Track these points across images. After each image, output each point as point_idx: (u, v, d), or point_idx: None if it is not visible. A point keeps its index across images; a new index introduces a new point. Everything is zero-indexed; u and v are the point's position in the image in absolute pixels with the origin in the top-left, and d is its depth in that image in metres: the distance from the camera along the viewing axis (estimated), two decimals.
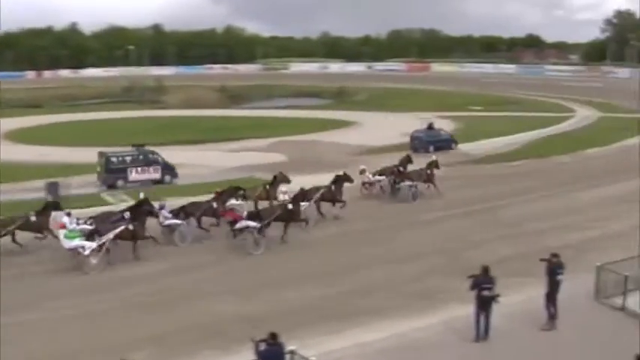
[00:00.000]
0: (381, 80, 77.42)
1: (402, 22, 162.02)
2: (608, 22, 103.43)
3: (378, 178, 19.77)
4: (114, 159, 23.04)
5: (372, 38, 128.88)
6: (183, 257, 14.03)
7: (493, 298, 9.90)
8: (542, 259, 10.83)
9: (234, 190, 16.58)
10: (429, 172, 20.07)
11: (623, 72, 79.83)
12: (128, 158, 23.18)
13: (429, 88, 68.35)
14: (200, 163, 25.65)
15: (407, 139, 31.12)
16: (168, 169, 23.52)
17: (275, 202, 16.54)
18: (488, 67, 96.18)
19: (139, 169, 23.09)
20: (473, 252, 14.78)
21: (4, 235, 14.39)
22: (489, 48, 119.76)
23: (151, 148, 23.85)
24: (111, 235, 13.64)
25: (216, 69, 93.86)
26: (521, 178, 22.88)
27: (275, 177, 18.21)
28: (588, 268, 12.07)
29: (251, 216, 14.71)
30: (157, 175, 23.20)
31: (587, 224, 17.05)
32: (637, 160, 25.48)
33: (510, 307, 11.08)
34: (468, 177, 21.78)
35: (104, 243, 13.50)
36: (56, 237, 14.05)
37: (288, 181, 18.07)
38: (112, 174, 22.86)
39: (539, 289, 10.89)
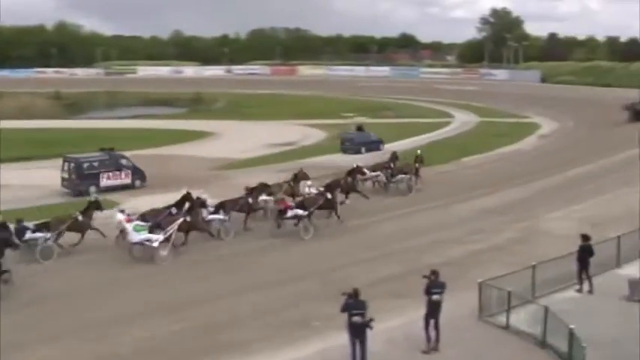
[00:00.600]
0: (242, 85, 78.35)
1: (265, 21, 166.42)
2: (485, 20, 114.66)
3: (373, 173, 24.22)
4: (85, 164, 24.87)
5: (231, 38, 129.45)
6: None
7: (366, 325, 10.17)
8: (424, 277, 11.48)
9: (263, 186, 20.24)
10: (417, 165, 24.78)
11: (501, 73, 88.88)
12: (98, 163, 25.24)
13: (297, 93, 70.55)
14: (26, 183, 25.75)
15: (271, 151, 31.93)
16: (138, 173, 25.94)
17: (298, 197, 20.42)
18: (360, 70, 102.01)
19: (111, 174, 25.30)
20: (349, 272, 15.40)
21: (58, 235, 16.44)
22: (360, 49, 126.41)
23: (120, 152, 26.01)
24: (175, 226, 16.36)
25: (49, 73, 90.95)
26: (400, 190, 24.48)
27: (296, 175, 22.25)
28: (471, 284, 13.04)
29: (298, 205, 18.68)
30: (128, 180, 25.61)
31: (468, 238, 18.44)
32: (515, 169, 29.11)
33: (390, 331, 11.69)
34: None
35: (170, 235, 16.19)
36: (102, 234, 17.08)
37: (308, 178, 21.92)
38: (84, 180, 24.67)
39: (421, 311, 11.51)
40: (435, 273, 11.42)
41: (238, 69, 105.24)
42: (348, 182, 22.04)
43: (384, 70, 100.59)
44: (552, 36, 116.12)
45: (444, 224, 20.11)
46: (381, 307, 11.87)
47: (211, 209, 18.38)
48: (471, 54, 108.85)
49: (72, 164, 24.99)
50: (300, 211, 18.59)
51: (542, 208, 21.81)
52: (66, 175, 25.08)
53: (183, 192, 18.74)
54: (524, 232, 19.00)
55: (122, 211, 17.37)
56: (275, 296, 14.03)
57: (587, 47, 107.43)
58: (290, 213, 18.56)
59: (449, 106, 59.43)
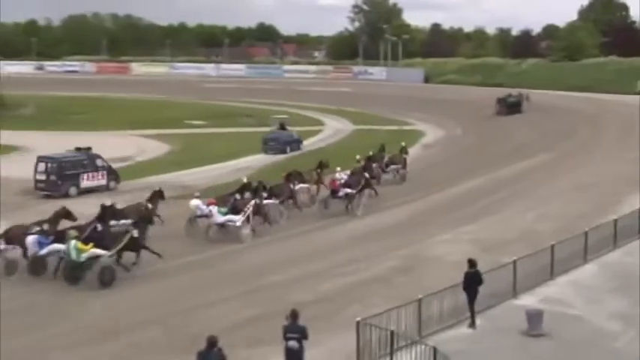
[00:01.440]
0: (58, 86, 76.23)
1: (85, 5, 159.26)
2: (358, 9, 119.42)
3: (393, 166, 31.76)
4: (66, 163, 29.11)
5: (41, 26, 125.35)
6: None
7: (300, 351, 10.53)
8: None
9: (298, 173, 27.19)
10: (404, 156, 32.91)
11: (378, 72, 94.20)
12: (78, 163, 29.54)
13: (130, 96, 69.99)
14: None
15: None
16: (113, 173, 30.54)
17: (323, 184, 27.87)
18: (210, 68, 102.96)
19: (90, 174, 29.68)
20: (202, 316, 15.48)
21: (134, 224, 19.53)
22: (210, 42, 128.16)
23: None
24: (250, 208, 22.36)
25: None
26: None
27: (320, 162, 29.11)
28: (347, 324, 13.35)
29: (345, 185, 26.04)
30: (104, 181, 30.03)
31: (344, 268, 19.07)
32: (396, 185, 30.90)
33: None
34: (187, 215, 22.80)
35: (249, 216, 22.24)
36: (163, 222, 22.51)
37: (327, 166, 29.03)
38: (65, 181, 28.80)
39: None
40: (293, 314, 11.56)
41: (53, 65, 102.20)
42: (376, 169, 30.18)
43: (239, 69, 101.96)
44: (436, 28, 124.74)
45: (315, 252, 20.72)
46: (236, 357, 11.92)
47: (264, 195, 24.22)
48: (343, 49, 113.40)
49: (50, 164, 28.98)
50: (349, 190, 25.92)
51: (429, 231, 23.06)
52: (42, 177, 28.76)
53: (244, 181, 25.25)
54: (408, 259, 19.91)
55: (198, 197, 23.17)
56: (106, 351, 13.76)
57: (476, 41, 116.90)
58: (341, 192, 25.89)
59: (318, 111, 61.54)
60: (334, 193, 25.95)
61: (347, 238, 22.54)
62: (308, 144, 44.87)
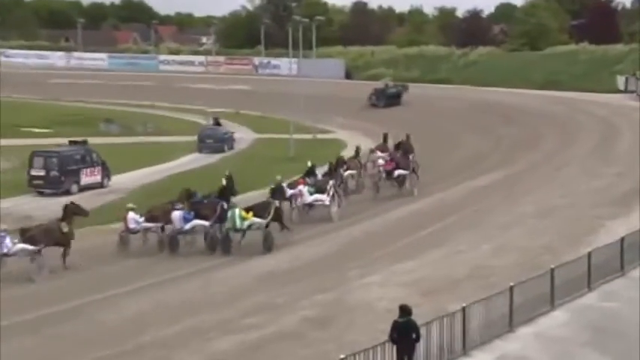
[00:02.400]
0: None
1: None
2: None
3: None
4: (67, 158, 36.56)
5: None
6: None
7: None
8: None
9: (343, 161, 36.96)
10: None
11: (285, 65, 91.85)
12: (79, 158, 37.21)
13: None
14: None
15: None
16: (106, 170, 38.18)
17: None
18: (57, 57, 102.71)
19: (89, 170, 37.29)
20: None
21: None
22: (57, 21, 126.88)
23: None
24: (333, 187, 31.63)
25: None
26: (120, 252, 26.92)
27: (357, 148, 39.73)
28: None
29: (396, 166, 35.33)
30: (99, 178, 37.83)
31: (244, 321, 19.22)
32: (311, 212, 31.61)
33: None
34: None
35: (334, 194, 31.23)
36: None
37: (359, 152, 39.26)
38: (67, 177, 36.06)
39: None
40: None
41: None
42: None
43: (98, 58, 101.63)
44: (360, 7, 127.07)
45: (208, 300, 21.04)
46: None
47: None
48: (239, 34, 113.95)
49: (50, 158, 35.46)
50: (403, 171, 35.25)
51: (355, 270, 23.37)
52: (40, 172, 35.06)
53: (309, 165, 34.71)
54: (328, 307, 20.13)
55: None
56: None
57: (412, 25, 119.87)
58: (396, 173, 35.27)
59: (208, 115, 62.06)
60: (389, 174, 35.34)
61: (253, 278, 22.69)
62: (192, 160, 44.94)
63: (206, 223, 27.19)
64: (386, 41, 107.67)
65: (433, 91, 75.05)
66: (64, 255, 25.27)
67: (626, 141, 46.01)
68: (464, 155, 45.37)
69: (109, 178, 38.29)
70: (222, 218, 27.52)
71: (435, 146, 48.37)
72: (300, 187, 31.15)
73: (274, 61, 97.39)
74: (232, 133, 51.00)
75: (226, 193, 29.70)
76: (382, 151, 39.37)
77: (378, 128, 55.82)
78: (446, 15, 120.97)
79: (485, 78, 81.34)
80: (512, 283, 17.63)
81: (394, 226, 29.24)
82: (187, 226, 27.13)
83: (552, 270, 18.90)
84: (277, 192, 30.77)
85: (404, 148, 39.36)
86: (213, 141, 48.60)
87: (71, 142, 39.50)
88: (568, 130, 52.73)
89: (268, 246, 26.24)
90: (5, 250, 24.30)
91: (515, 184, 36.75)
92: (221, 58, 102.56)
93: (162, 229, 27.60)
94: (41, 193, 35.32)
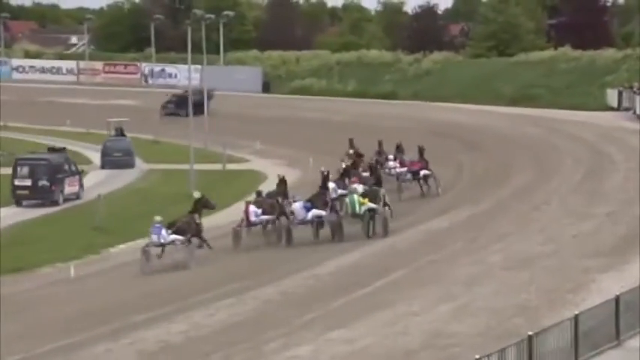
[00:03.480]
0: None
1: None
2: None
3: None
4: (55, 166, 44.26)
5: None
6: None
7: None
8: None
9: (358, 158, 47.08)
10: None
11: (184, 73, 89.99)
12: (62, 165, 45.18)
13: None
14: None
15: None
16: (81, 180, 46.68)
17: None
18: None
19: (70, 179, 45.52)
20: None
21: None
22: None
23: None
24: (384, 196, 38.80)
25: None
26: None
27: (379, 142, 50.25)
28: None
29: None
30: (77, 189, 46.31)
31: None
32: (214, 272, 32.30)
33: None
34: None
35: (385, 202, 38.37)
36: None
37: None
38: (57, 185, 43.97)
39: None
40: None
41: None
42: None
43: None
44: (282, 0, 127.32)
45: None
46: None
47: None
48: (121, 33, 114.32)
49: (38, 166, 41.86)
50: (426, 172, 44.35)
51: (280, 336, 23.48)
52: (26, 182, 41.26)
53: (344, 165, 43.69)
54: None
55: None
56: None
57: (348, 23, 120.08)
58: (422, 173, 44.10)
59: (79, 139, 63.51)
60: (415, 174, 44.51)
61: None
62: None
63: (323, 212, 36.23)
64: (315, 44, 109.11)
65: (375, 108, 76.06)
66: (203, 245, 34.40)
67: (619, 173, 46.87)
68: (416, 190, 45.72)
69: (82, 189, 46.08)
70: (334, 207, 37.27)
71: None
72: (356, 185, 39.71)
73: (169, 69, 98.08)
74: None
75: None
76: (380, 155, 48.47)
77: (303, 155, 56.22)
78: (391, 11, 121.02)
79: (440, 92, 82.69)
80: (477, 356, 17.52)
81: (326, 283, 29.22)
82: (309, 216, 35.99)
83: (530, 338, 18.65)
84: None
85: (402, 150, 48.54)
86: (122, 154, 53.52)
87: (50, 150, 46.67)
88: (546, 158, 53.55)
89: (386, 230, 35.74)
90: (162, 241, 33.46)
91: (481, 226, 37.16)
92: (98, 65, 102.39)
93: (274, 221, 36.93)
94: (20, 204, 42.39)
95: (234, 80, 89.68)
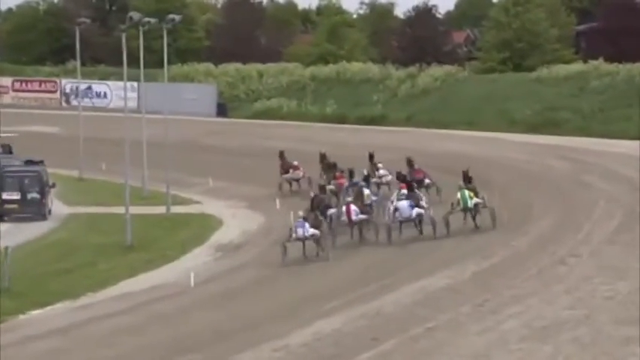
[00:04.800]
0: None
1: None
2: None
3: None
4: (44, 178, 53.07)
5: None
6: None
7: None
8: None
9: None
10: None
11: (116, 91, 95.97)
12: (46, 179, 53.91)
13: None
14: None
15: None
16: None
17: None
18: None
19: (50, 194, 53.98)
20: None
21: None
22: None
23: None
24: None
25: None
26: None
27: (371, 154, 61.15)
28: None
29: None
30: (51, 205, 54.74)
31: None
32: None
33: None
34: None
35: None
36: None
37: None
38: (46, 200, 53.01)
39: None
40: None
41: None
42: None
43: None
44: (241, 0, 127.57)
45: None
46: None
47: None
48: (35, 41, 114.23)
49: (29, 178, 48.44)
50: (429, 180, 55.38)
51: None
52: (13, 195, 47.59)
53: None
54: None
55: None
56: None
57: (326, 30, 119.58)
58: (426, 181, 54.90)
59: None
60: (420, 182, 53.50)
61: None
62: None
63: (422, 211, 46.35)
64: (283, 56, 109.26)
65: (358, 136, 76.36)
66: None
67: None
68: (410, 238, 45.82)
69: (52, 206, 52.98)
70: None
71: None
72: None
73: (98, 86, 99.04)
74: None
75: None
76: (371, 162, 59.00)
77: (267, 195, 56.51)
78: (379, 15, 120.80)
79: (441, 115, 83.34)
80: None
81: (298, 356, 29.22)
82: (414, 214, 46.08)
83: None
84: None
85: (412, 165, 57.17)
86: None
87: (27, 162, 53.96)
88: (574, 199, 53.96)
89: (495, 223, 46.97)
90: (306, 234, 43.24)
91: (493, 285, 37.19)
92: (5, 81, 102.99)
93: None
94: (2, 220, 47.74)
95: (181, 101, 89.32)
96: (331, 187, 54.42)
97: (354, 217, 46.15)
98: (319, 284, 39.34)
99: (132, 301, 38.16)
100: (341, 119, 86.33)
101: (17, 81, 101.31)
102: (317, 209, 46.58)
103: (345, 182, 53.53)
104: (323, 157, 60.79)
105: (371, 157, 59.81)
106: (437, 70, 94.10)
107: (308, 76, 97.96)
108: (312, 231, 43.64)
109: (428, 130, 79.03)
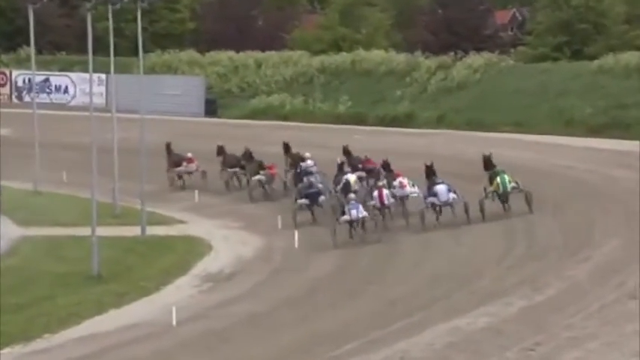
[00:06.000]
0: None
1: None
2: None
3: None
4: None
5: None
6: None
7: None
8: None
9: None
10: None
11: (80, 85, 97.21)
12: None
13: None
14: None
15: None
16: None
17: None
18: None
19: None
20: None
21: None
22: None
23: None
24: None
25: None
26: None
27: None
28: None
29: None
30: None
31: None
32: None
33: None
34: None
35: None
36: None
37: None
38: None
39: None
40: None
41: None
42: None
43: None
44: None
45: None
46: None
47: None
48: None
49: None
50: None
51: None
52: None
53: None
54: None
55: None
56: None
57: (339, 10, 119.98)
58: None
59: None
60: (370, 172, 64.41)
61: None
62: None
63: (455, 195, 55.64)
64: (287, 42, 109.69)
65: (379, 139, 76.35)
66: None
67: None
68: (444, 265, 45.97)
69: None
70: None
71: (390, 246, 50.19)
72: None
73: (57, 79, 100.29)
74: None
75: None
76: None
77: (267, 212, 57.14)
78: None
79: (481, 114, 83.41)
80: None
81: None
82: (451, 198, 55.18)
83: None
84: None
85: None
86: None
87: None
88: None
89: (531, 208, 55.63)
90: (361, 216, 52.79)
91: (545, 324, 37.15)
92: None
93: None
94: None
95: (160, 97, 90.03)
96: (261, 177, 63.67)
97: (386, 201, 55.60)
98: (331, 321, 39.25)
99: (99, 343, 37.82)
100: (358, 119, 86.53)
101: None
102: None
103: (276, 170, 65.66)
104: (287, 147, 69.60)
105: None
106: (475, 59, 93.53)
107: (316, 67, 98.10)
108: (364, 213, 52.98)
109: (464, 133, 79.14)
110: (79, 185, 61.94)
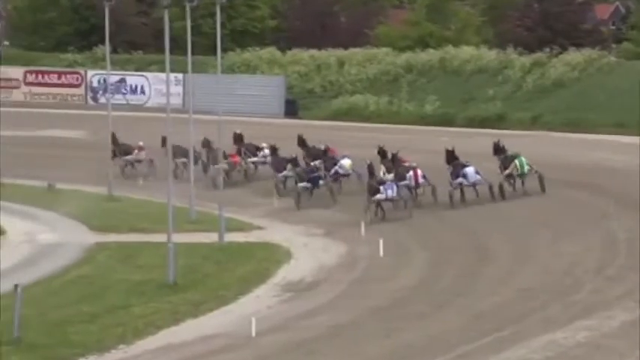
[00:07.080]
0: None
1: None
2: None
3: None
4: None
5: None
6: None
7: None
8: None
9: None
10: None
11: (155, 85, 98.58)
12: None
13: None
14: None
15: None
16: None
17: None
18: None
19: None
20: None
21: None
22: None
23: None
24: None
25: None
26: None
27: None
28: None
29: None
30: None
31: None
32: None
33: None
34: None
35: None
36: None
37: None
38: None
39: None
40: None
41: None
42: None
43: None
44: None
45: None
46: None
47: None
48: (49, 21, 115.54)
49: None
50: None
51: None
52: None
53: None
54: None
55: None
56: None
57: (425, 4, 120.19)
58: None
59: None
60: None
61: None
62: None
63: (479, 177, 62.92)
64: (371, 39, 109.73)
65: (469, 142, 76.02)
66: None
67: None
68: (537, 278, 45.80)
69: None
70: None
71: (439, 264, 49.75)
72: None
73: (133, 79, 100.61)
74: None
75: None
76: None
77: (349, 218, 57.40)
78: None
79: (580, 115, 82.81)
80: None
81: None
82: (478, 179, 62.29)
83: None
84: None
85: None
86: None
87: None
88: None
89: (543, 187, 62.92)
90: (396, 196, 59.78)
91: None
92: (16, 72, 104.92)
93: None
94: None
95: (239, 97, 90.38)
96: (224, 165, 65.80)
97: (421, 181, 62.55)
98: (416, 334, 38.95)
99: (176, 355, 37.96)
100: (446, 120, 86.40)
101: (31, 72, 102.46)
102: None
103: (240, 160, 71.32)
104: (238, 137, 75.17)
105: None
106: (574, 56, 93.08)
107: (402, 65, 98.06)
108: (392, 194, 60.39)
109: (561, 135, 78.76)
110: (154, 190, 62.20)
